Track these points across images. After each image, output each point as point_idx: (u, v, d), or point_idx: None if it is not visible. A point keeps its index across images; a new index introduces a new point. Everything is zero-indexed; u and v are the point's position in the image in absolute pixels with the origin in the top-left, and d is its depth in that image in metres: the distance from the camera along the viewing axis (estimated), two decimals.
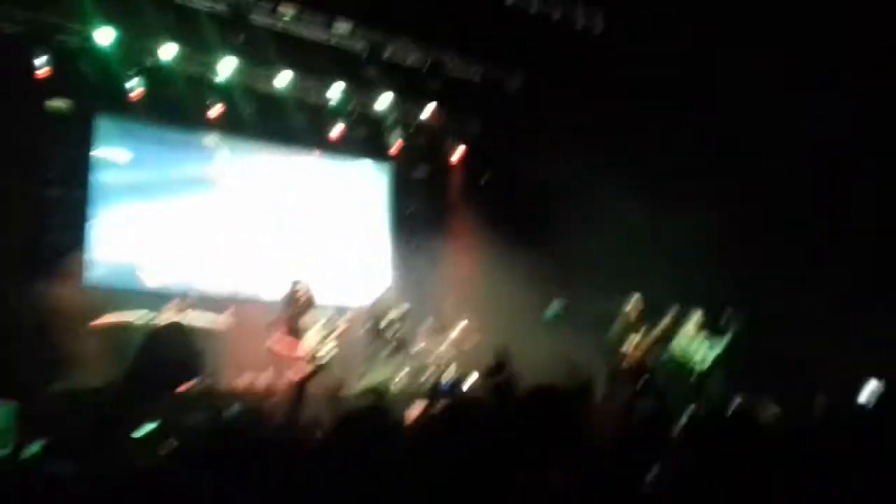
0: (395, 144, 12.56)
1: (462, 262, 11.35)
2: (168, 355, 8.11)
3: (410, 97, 12.15)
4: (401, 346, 9.72)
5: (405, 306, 9.97)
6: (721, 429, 2.79)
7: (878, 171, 8.76)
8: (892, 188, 8.68)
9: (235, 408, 4.00)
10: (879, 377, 6.14)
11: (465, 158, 13.01)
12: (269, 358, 7.87)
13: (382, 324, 8.35)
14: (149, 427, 4.38)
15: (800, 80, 8.87)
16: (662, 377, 9.02)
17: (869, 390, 6.52)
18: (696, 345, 8.96)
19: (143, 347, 8.09)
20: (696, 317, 9.07)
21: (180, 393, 7.80)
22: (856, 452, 2.87)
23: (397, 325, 9.61)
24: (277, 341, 7.64)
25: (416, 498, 2.14)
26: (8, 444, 5.40)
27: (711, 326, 9.14)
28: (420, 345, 10.15)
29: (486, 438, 2.23)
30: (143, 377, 7.54)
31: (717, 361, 8.85)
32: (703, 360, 8.89)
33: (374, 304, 9.97)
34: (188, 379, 8.04)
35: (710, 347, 8.93)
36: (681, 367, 9.00)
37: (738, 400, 6.06)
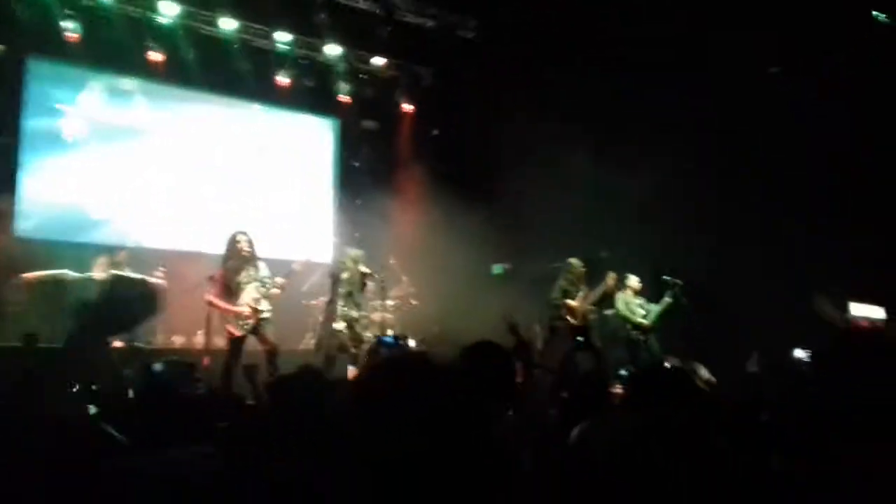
0: (344, 95, 12.25)
1: (407, 219, 11.20)
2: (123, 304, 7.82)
3: (360, 45, 11.82)
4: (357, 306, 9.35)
5: (362, 268, 9.48)
6: (658, 386, 2.80)
7: (848, 155, 8.68)
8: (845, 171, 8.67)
9: (163, 363, 3.85)
10: (805, 348, 6.27)
11: (414, 112, 12.75)
12: (208, 312, 7.63)
13: (341, 287, 8.08)
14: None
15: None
16: (601, 336, 9.16)
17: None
18: (634, 306, 9.10)
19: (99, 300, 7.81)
20: (635, 280, 9.19)
21: (114, 349, 7.56)
22: (791, 410, 2.91)
23: (356, 286, 9.18)
24: (217, 295, 7.42)
25: (354, 453, 2.07)
26: None
27: (651, 290, 9.27)
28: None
29: (428, 391, 2.17)
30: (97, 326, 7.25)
31: (655, 323, 9.00)
32: (641, 321, 9.03)
33: (331, 266, 9.65)
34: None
35: (649, 310, 9.08)
36: (620, 326, 9.14)
37: (671, 362, 6.15)
